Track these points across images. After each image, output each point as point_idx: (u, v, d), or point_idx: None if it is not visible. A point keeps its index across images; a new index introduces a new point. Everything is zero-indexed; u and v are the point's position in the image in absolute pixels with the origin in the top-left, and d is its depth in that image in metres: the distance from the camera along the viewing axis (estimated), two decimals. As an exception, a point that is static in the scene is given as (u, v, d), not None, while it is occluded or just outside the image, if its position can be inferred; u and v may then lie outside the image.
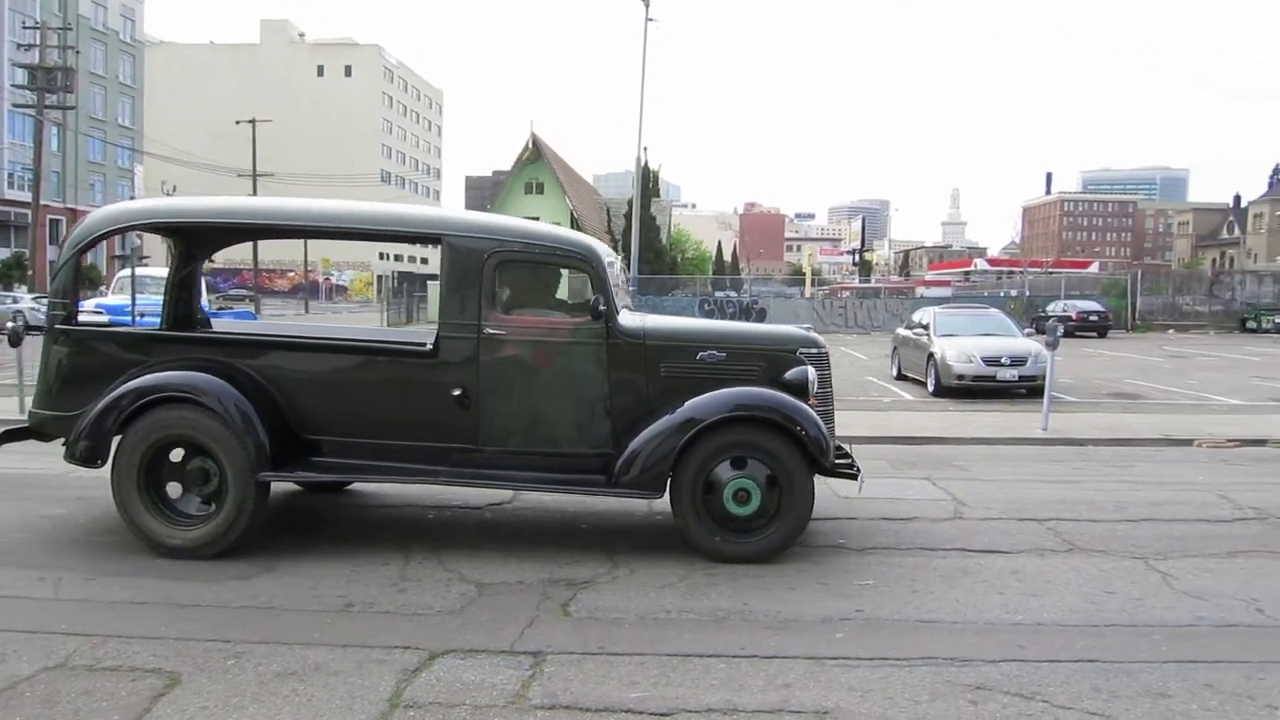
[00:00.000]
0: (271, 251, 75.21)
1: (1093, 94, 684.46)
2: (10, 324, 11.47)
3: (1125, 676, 4.15)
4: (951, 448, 10.62)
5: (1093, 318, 36.41)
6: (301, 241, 50.03)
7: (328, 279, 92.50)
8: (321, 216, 6.60)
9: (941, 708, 3.81)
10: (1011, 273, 65.26)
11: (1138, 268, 63.32)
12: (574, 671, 4.13)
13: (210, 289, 24.87)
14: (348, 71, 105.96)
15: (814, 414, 5.91)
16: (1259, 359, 24.91)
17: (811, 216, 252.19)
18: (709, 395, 5.89)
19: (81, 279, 6.50)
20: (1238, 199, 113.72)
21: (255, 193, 53.21)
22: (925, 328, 17.21)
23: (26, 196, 47.22)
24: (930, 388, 16.16)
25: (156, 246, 53.39)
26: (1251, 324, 40.36)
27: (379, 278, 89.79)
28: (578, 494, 6.27)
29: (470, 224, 6.27)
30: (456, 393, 5.85)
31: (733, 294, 47.06)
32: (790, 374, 6.08)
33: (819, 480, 6.08)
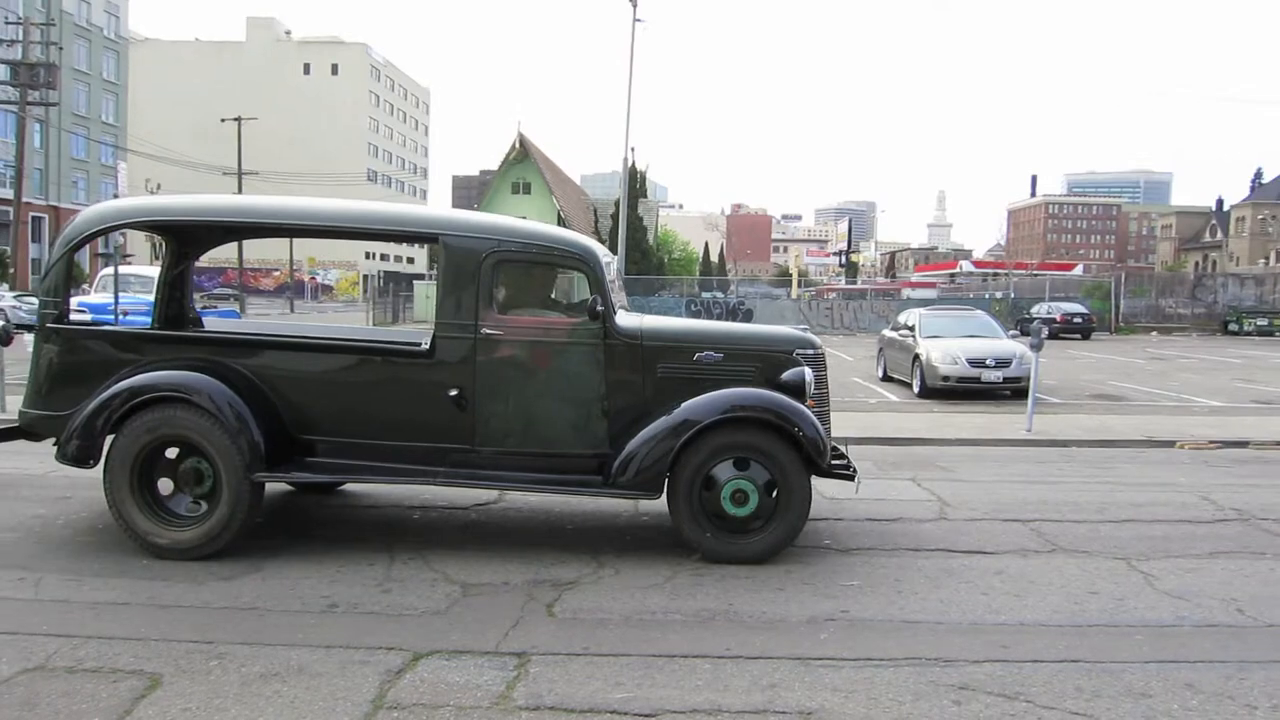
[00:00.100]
0: (257, 250, 74.91)
1: (1078, 97, 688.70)
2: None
3: (1107, 676, 4.18)
4: (936, 449, 10.66)
5: (1076, 320, 36.60)
6: (287, 240, 49.85)
7: (313, 278, 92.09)
8: (319, 215, 6.55)
9: (925, 708, 3.83)
10: (996, 275, 65.62)
11: (1121, 270, 63.69)
12: (559, 672, 4.12)
13: (194, 288, 24.69)
14: (334, 70, 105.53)
15: (811, 415, 5.92)
16: (1241, 361, 25.11)
17: (798, 218, 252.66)
18: (706, 396, 5.89)
19: (73, 276, 6.41)
20: (1220, 202, 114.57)
21: (240, 191, 52.94)
22: (911, 329, 17.27)
23: (8, 194, 46.81)
24: (916, 389, 16.22)
25: (140, 245, 53.09)
26: (1233, 327, 40.67)
27: (365, 277, 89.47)
28: (575, 495, 6.26)
29: (468, 224, 6.23)
30: (453, 393, 5.82)
31: (719, 295, 47.07)
32: (787, 375, 6.09)
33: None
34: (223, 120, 65.47)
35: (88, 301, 24.06)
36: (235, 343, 6.21)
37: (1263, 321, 40.33)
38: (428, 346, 5.94)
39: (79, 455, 5.75)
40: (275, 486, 7.24)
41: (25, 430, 6.26)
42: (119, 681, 3.93)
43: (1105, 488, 8.51)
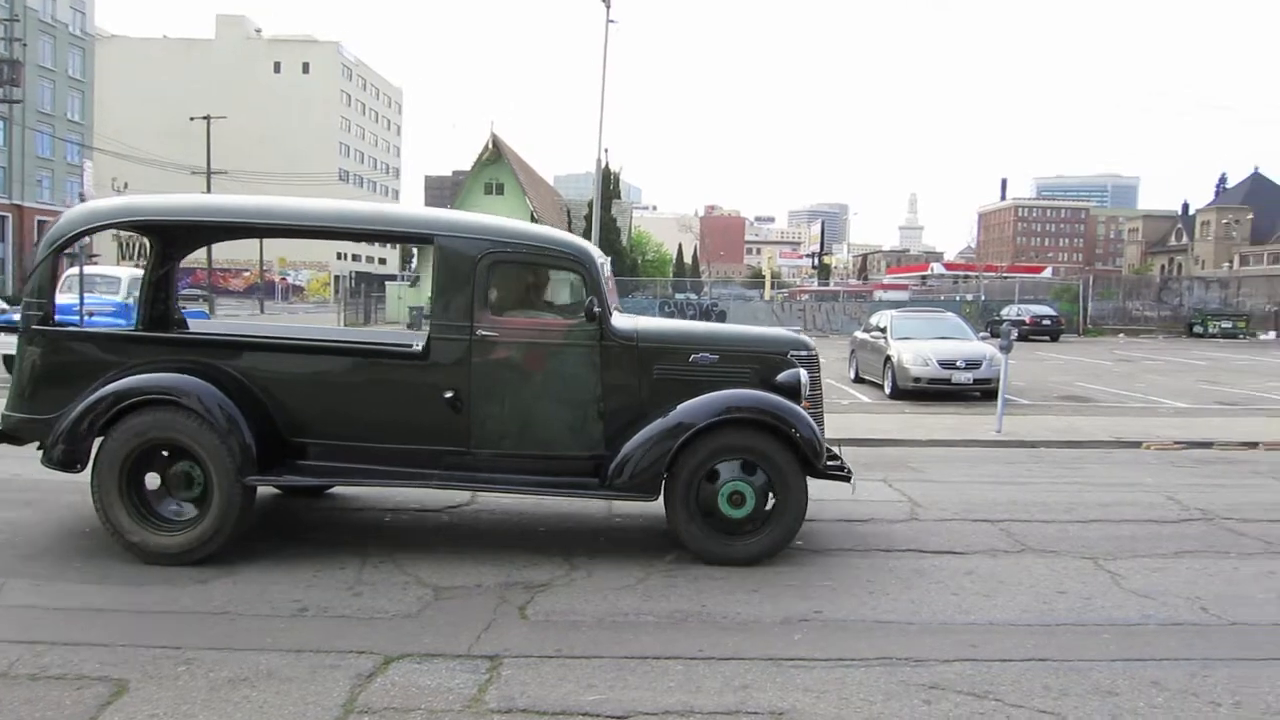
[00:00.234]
0: (226, 250, 74.02)
1: (1047, 102, 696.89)
2: None
3: (1075, 675, 4.23)
4: (907, 450, 10.73)
5: (1045, 322, 37.01)
6: (257, 240, 49.31)
7: (284, 279, 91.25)
8: (310, 216, 6.47)
9: (896, 707, 3.85)
10: (967, 277, 66.28)
11: (1089, 273, 64.50)
12: (531, 675, 4.11)
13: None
14: (305, 68, 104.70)
15: (807, 416, 5.94)
16: (1205, 364, 25.50)
17: (771, 220, 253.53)
18: (702, 398, 5.89)
19: (58, 278, 6.25)
20: (1186, 207, 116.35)
21: (209, 191, 52.32)
22: (883, 331, 17.39)
23: (-29, 192, 45.96)
24: (887, 390, 16.34)
25: (106, 245, 52.34)
26: (1198, 329, 41.29)
27: (336, 278, 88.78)
28: (572, 497, 6.25)
29: (463, 224, 6.17)
30: (448, 395, 5.78)
31: (693, 296, 47.18)
32: (782, 376, 6.11)
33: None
34: (191, 119, 64.71)
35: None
36: (224, 344, 6.12)
37: (1227, 324, 41.00)
38: (422, 348, 5.90)
39: (65, 459, 5.63)
40: (261, 490, 7.15)
41: (8, 434, 6.09)
42: (84, 688, 3.87)
43: (1073, 488, 8.61)
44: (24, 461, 7.07)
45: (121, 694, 3.82)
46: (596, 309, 5.85)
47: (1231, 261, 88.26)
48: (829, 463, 6.21)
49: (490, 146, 51.34)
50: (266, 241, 52.60)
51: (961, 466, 9.75)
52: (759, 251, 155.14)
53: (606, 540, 6.47)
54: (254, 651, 4.30)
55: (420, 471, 5.87)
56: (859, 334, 19.69)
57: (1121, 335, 41.51)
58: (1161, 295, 46.90)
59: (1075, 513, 7.51)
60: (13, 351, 5.99)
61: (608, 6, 28.67)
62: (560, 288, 6.38)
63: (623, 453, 5.80)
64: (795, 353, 6.32)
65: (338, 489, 7.45)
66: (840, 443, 10.63)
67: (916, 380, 15.65)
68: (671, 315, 39.89)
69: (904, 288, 65.63)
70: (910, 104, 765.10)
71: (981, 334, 19.73)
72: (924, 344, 16.26)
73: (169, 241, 6.93)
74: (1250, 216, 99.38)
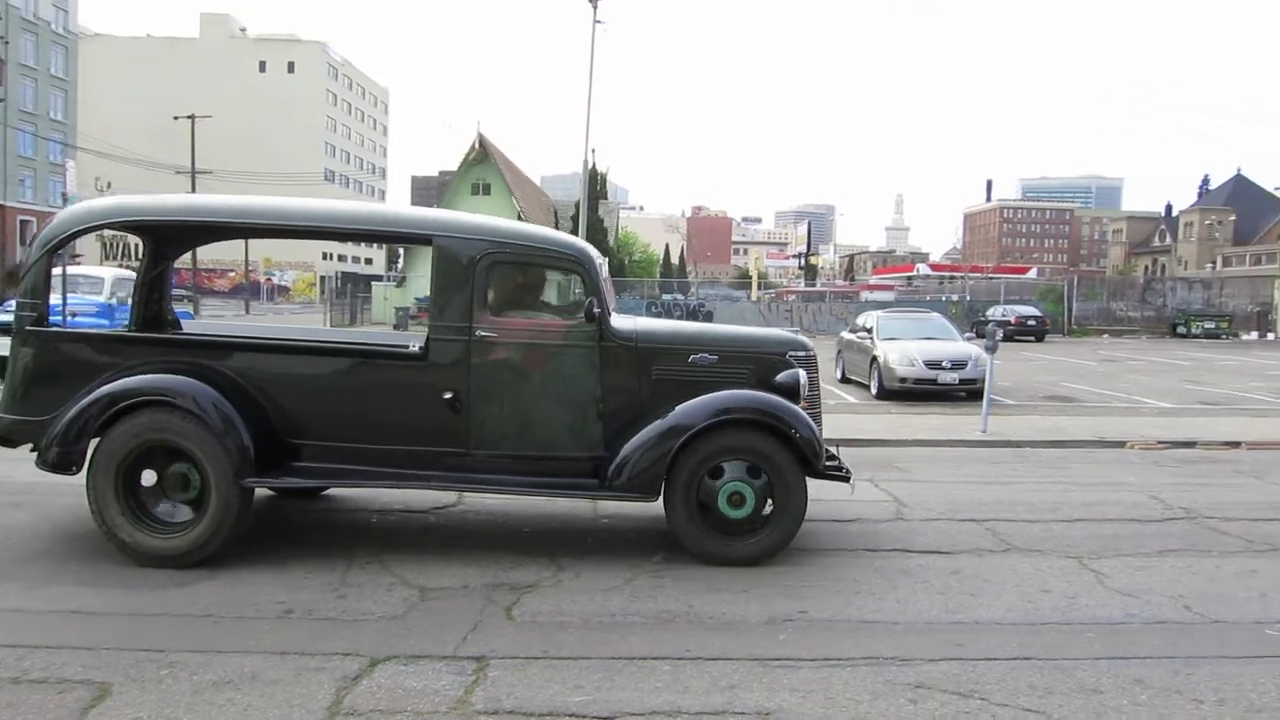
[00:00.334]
0: (211, 250, 73.66)
1: (1032, 104, 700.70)
2: None
3: (1060, 673, 4.25)
4: (894, 450, 10.76)
5: (1030, 322, 37.22)
6: (243, 240, 49.06)
7: (269, 279, 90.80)
8: (309, 216, 6.42)
9: (882, 706, 3.86)
10: (953, 278, 66.52)
11: (1074, 274, 64.91)
12: (518, 676, 4.10)
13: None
14: (290, 68, 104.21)
15: (806, 416, 5.95)
16: (1189, 364, 25.69)
17: (758, 220, 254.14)
18: (701, 399, 5.89)
19: (52, 278, 6.15)
20: (1169, 208, 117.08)
21: (194, 190, 52.04)
22: (869, 331, 17.45)
23: (-48, 191, 45.58)
24: (873, 390, 16.39)
25: (90, 245, 51.96)
26: (1182, 329, 41.62)
27: (322, 278, 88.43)
28: (571, 498, 6.25)
29: (462, 225, 6.15)
30: (448, 396, 5.76)
31: (680, 297, 47.22)
32: (781, 376, 6.12)
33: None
34: (175, 118, 64.35)
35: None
36: (220, 345, 6.08)
37: (1210, 324, 41.36)
38: (422, 349, 5.88)
39: (60, 462, 5.57)
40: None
41: (1, 436, 6.00)
42: (66, 692, 3.84)
43: (1058, 487, 8.66)
44: (15, 464, 7.01)
45: (104, 697, 3.79)
46: (596, 310, 5.85)
47: (1214, 262, 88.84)
48: (827, 463, 6.22)
49: (477, 147, 51.23)
50: (252, 242, 52.37)
51: (947, 466, 9.79)
52: (746, 252, 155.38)
53: (593, 541, 6.47)
54: (238, 654, 4.27)
55: (420, 473, 5.84)
56: (845, 334, 19.74)
57: (1106, 335, 41.77)
58: (1145, 296, 47.26)
59: (1060, 512, 7.55)
60: (4, 353, 5.92)
61: (595, 7, 28.68)
62: (559, 288, 6.37)
63: (622, 454, 5.79)
64: (793, 353, 6.33)
65: (328, 490, 7.41)
66: (826, 443, 10.71)
67: (903, 380, 15.70)
68: (658, 316, 39.91)
69: (890, 288, 65.84)
70: (896, 105, 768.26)
71: (967, 334, 19.83)
72: (910, 344, 16.32)
73: (163, 241, 6.86)
74: (1233, 218, 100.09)
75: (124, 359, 5.78)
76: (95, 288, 18.83)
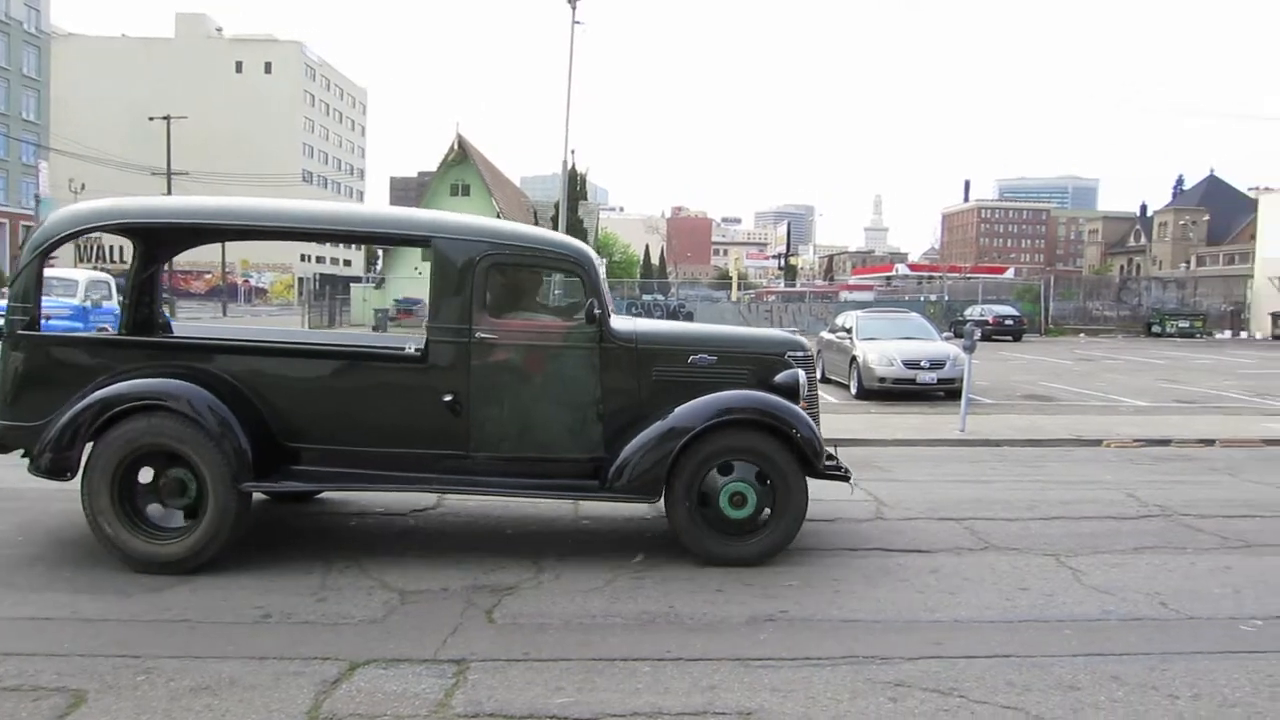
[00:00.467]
0: (189, 252, 72.90)
1: (1009, 105, 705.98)
2: None
3: (1038, 670, 4.28)
4: (873, 449, 10.81)
5: (1008, 322, 37.48)
6: (224, 242, 48.63)
7: (246, 281, 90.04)
8: (310, 218, 6.37)
9: (862, 705, 3.88)
10: (931, 278, 66.85)
11: (1050, 274, 65.47)
12: (498, 679, 4.09)
13: (121, 291, 23.97)
14: (267, 68, 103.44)
15: (807, 416, 5.97)
16: (1164, 362, 25.95)
17: (738, 221, 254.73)
18: (702, 400, 5.89)
19: (44, 281, 6.04)
20: (1144, 208, 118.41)
21: (170, 192, 51.57)
22: (848, 331, 17.52)
23: (-78, 193, 44.93)
24: (853, 390, 16.45)
25: (63, 247, 51.39)
26: (1156, 328, 42.04)
27: (300, 280, 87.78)
28: (572, 500, 6.23)
29: (461, 226, 6.12)
30: (447, 398, 5.73)
31: (660, 297, 47.29)
32: (781, 377, 6.13)
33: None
34: (150, 119, 63.74)
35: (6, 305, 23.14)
36: (215, 348, 6.02)
37: (1184, 323, 41.80)
38: (421, 351, 5.85)
39: (53, 468, 5.48)
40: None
41: None
42: (40, 700, 3.79)
43: (1036, 486, 8.72)
44: (5, 469, 6.92)
45: (79, 704, 3.75)
46: (597, 311, 5.85)
47: (1188, 262, 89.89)
48: (827, 463, 6.23)
49: (456, 147, 51.09)
50: (230, 243, 51.91)
51: (926, 465, 9.84)
52: (726, 253, 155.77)
53: (574, 542, 6.46)
54: (216, 659, 4.23)
55: (419, 475, 5.81)
56: (825, 334, 19.83)
57: (1082, 335, 42.13)
58: (1121, 295, 47.71)
59: (1037, 510, 7.61)
60: None
61: (573, 8, 28.66)
62: (558, 289, 6.35)
63: (623, 455, 5.79)
64: (792, 353, 6.36)
65: (320, 493, 7.36)
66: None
67: (882, 380, 15.78)
68: (638, 316, 39.91)
69: (869, 288, 66.12)
70: (875, 106, 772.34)
71: (945, 334, 19.92)
72: (889, 344, 16.40)
73: (154, 244, 6.77)
74: (1206, 218, 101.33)
75: (117, 363, 5.71)
76: (69, 290, 18.65)
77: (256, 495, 6.95)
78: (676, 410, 5.85)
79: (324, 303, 49.56)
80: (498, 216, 45.97)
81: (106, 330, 16.96)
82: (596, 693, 3.96)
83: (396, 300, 44.41)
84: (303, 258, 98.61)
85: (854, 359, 16.49)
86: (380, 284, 50.77)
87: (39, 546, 6.02)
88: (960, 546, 6.47)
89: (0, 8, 64.00)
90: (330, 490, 6.87)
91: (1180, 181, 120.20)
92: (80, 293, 18.85)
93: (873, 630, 4.82)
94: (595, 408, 5.92)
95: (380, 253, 60.44)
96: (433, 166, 55.90)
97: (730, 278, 70.90)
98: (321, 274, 70.42)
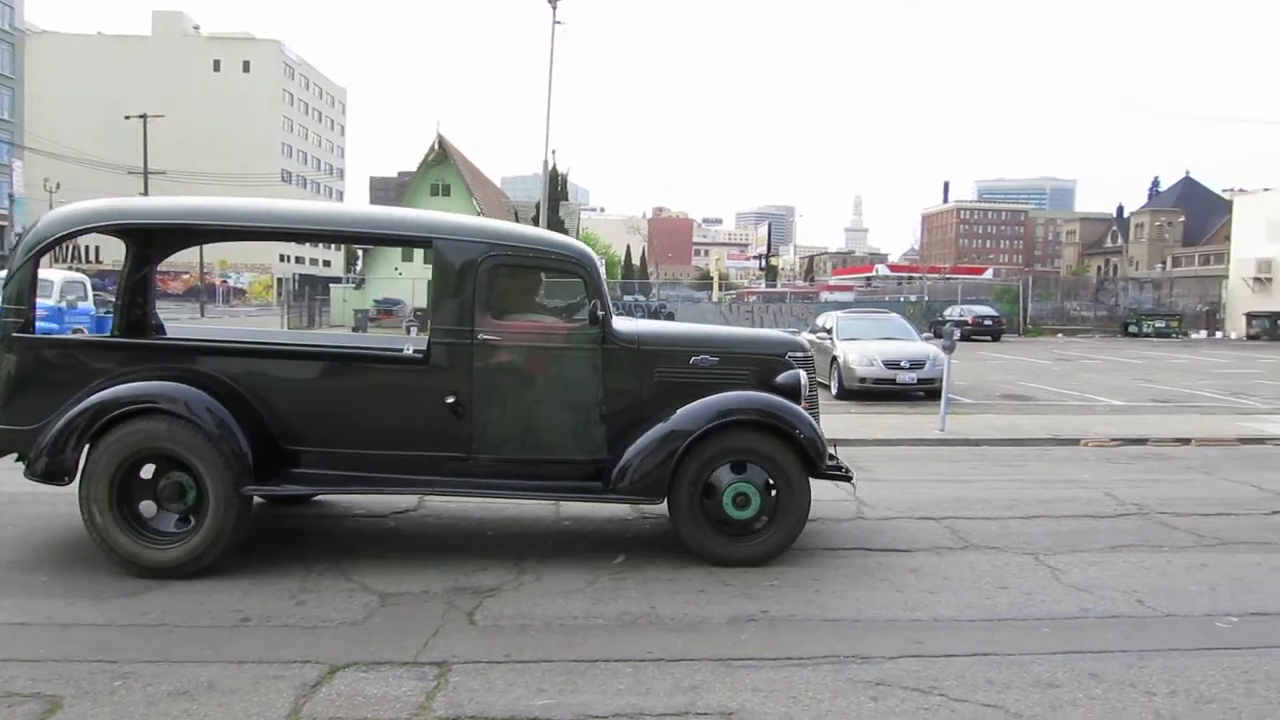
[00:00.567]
0: (164, 252, 72.23)
1: (988, 106, 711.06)
2: None
3: (1017, 668, 4.31)
4: (854, 449, 10.81)
5: (987, 322, 37.74)
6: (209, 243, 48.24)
7: (224, 281, 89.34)
8: (308, 219, 6.32)
9: (843, 705, 3.89)
10: (911, 278, 67.18)
11: (1029, 274, 65.92)
12: (479, 681, 4.07)
13: (98, 292, 23.74)
14: (245, 67, 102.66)
15: (809, 417, 5.98)
16: (1140, 362, 26.21)
17: (719, 222, 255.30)
18: (704, 401, 5.88)
19: (37, 283, 5.95)
20: (1120, 210, 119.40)
21: (146, 192, 51.19)
22: (829, 332, 17.60)
23: (-106, 192, 44.32)
24: (833, 390, 16.51)
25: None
26: (1133, 328, 42.49)
27: (279, 280, 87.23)
28: (575, 501, 6.23)
29: (462, 227, 6.10)
30: (450, 400, 5.70)
31: (641, 298, 47.32)
32: (782, 377, 6.14)
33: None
34: (127, 117, 63.16)
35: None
36: (213, 350, 5.96)
37: (1160, 323, 42.29)
38: (422, 353, 5.82)
39: (50, 472, 5.39)
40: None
41: None
42: (14, 706, 3.74)
43: (1014, 485, 8.79)
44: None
45: (55, 711, 3.71)
46: (600, 312, 5.84)
47: (1164, 263, 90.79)
48: (828, 463, 6.24)
49: (436, 147, 50.94)
50: (207, 244, 51.47)
51: (906, 465, 9.89)
52: (707, 253, 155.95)
53: (555, 543, 6.45)
54: (194, 664, 4.20)
55: (420, 478, 5.79)
56: (806, 335, 19.87)
57: (1060, 335, 42.50)
58: (1098, 296, 48.18)
59: (1016, 509, 7.66)
60: None
61: (554, 8, 28.64)
62: (560, 290, 6.33)
63: (626, 457, 5.78)
64: (792, 354, 6.37)
65: (317, 496, 7.30)
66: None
67: (862, 380, 15.85)
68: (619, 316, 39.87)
69: (850, 289, 66.36)
70: (855, 107, 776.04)
71: (925, 334, 20.08)
72: (869, 345, 16.48)
73: (148, 245, 6.70)
74: (1182, 219, 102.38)
75: (113, 365, 5.64)
76: (44, 291, 18.43)
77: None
78: (679, 411, 5.85)
79: (303, 303, 49.31)
80: (478, 215, 45.83)
81: (82, 331, 16.82)
82: (578, 694, 3.96)
83: (376, 301, 44.24)
84: (281, 258, 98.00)
85: (834, 359, 16.56)
86: (360, 284, 50.56)
87: (13, 550, 5.95)
88: (940, 546, 6.51)
89: (-27, 5, 63.23)
90: (331, 493, 6.84)
91: (1156, 183, 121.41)
92: (55, 293, 18.66)
93: (853, 629, 4.84)
94: (598, 409, 5.92)
95: (360, 253, 60.14)
96: (413, 166, 55.71)
97: (711, 278, 71.04)
98: (301, 274, 69.98)
